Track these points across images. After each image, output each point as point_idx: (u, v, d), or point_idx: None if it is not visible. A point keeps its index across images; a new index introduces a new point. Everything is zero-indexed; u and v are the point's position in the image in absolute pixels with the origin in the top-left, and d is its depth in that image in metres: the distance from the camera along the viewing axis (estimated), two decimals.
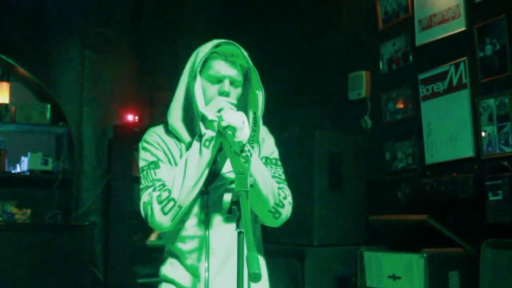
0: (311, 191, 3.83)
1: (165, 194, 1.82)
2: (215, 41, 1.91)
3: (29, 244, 4.55)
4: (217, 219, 1.91)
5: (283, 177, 1.99)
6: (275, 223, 1.93)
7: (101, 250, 5.18)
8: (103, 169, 5.32)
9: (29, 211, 4.88)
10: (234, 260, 1.88)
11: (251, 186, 1.53)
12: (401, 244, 3.48)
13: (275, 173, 1.97)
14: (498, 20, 3.35)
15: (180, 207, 1.82)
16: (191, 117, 1.90)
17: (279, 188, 1.92)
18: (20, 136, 5.24)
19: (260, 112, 1.93)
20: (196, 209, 1.91)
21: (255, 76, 1.91)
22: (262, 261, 2.05)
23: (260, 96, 1.93)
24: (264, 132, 2.03)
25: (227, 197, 1.51)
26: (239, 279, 1.42)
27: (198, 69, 1.88)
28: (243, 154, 1.68)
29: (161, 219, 1.82)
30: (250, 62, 1.91)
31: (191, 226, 1.92)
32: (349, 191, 4.00)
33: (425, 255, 3.11)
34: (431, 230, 3.29)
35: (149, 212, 1.83)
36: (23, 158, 5.00)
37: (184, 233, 1.93)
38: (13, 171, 5.00)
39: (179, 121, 1.93)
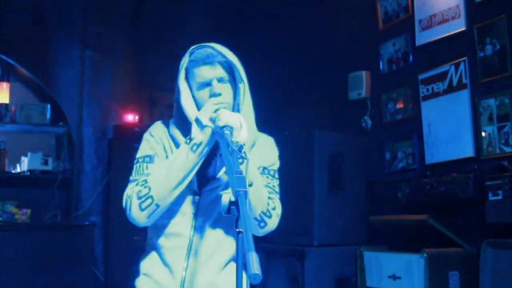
0: (311, 191, 3.84)
1: (145, 191, 1.82)
2: (190, 50, 1.93)
3: (29, 244, 4.55)
4: (204, 222, 1.91)
5: (277, 189, 1.97)
6: (259, 232, 1.91)
7: (101, 250, 5.18)
8: (103, 169, 5.32)
9: (29, 211, 4.88)
10: (214, 264, 1.91)
11: (250, 186, 1.53)
12: (401, 244, 3.48)
13: (269, 183, 1.95)
14: (498, 20, 3.35)
15: (157, 205, 1.82)
16: (186, 129, 1.92)
17: (269, 198, 1.90)
18: (20, 136, 5.23)
19: (242, 103, 1.92)
20: (185, 208, 1.91)
21: (235, 69, 1.92)
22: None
23: (241, 87, 1.92)
24: (267, 142, 2.03)
25: (226, 198, 1.51)
26: (238, 279, 1.42)
27: (180, 81, 1.91)
28: (242, 154, 1.68)
29: (138, 215, 1.84)
30: (228, 57, 1.91)
31: (178, 224, 1.92)
32: (349, 191, 4.00)
33: (425, 255, 3.11)
34: (431, 230, 3.29)
35: (128, 205, 1.85)
36: (23, 158, 5.00)
37: (169, 229, 1.93)
38: (13, 171, 5.00)
39: (179, 133, 1.94)
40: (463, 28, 3.57)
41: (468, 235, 3.30)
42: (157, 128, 1.99)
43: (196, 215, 1.91)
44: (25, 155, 4.98)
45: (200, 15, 5.70)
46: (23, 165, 5.00)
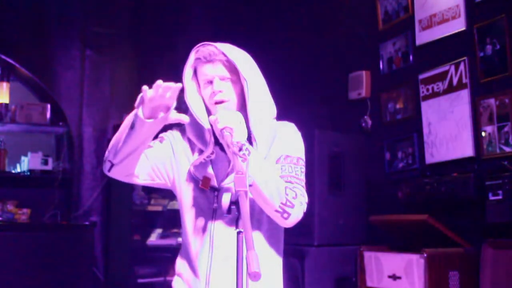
0: (311, 191, 3.82)
1: (108, 146, 1.89)
2: (195, 48, 1.94)
3: (29, 244, 4.55)
4: (224, 218, 1.90)
5: (300, 176, 1.93)
6: (285, 223, 1.88)
7: (101, 250, 5.18)
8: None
9: (29, 211, 4.87)
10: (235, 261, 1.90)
11: (250, 186, 1.53)
12: (401, 244, 3.48)
13: (291, 171, 1.91)
14: (498, 20, 3.35)
15: (110, 162, 1.87)
16: (198, 128, 1.94)
17: (288, 187, 1.86)
18: (20, 136, 5.23)
19: (248, 101, 1.91)
20: (205, 204, 1.92)
21: (239, 67, 1.90)
22: (278, 262, 2.01)
23: (245, 85, 1.91)
24: (288, 129, 2.03)
25: (226, 197, 1.51)
26: (238, 279, 1.42)
27: (185, 80, 1.93)
28: (241, 153, 1.68)
29: (106, 166, 1.91)
30: (229, 56, 1.90)
31: (199, 221, 1.93)
32: (349, 191, 4.00)
33: (425, 255, 3.10)
34: (431, 230, 3.29)
35: None
36: (23, 158, 4.99)
37: (192, 227, 1.94)
38: (13, 171, 5.00)
39: (190, 133, 1.98)
40: (463, 28, 3.57)
41: (468, 235, 3.30)
42: (175, 132, 2.05)
43: (215, 211, 1.90)
44: (25, 155, 4.98)
45: (200, 15, 5.70)
46: (23, 165, 4.99)
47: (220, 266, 1.89)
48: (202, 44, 1.92)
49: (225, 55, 1.89)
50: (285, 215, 1.84)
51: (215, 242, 1.90)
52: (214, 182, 1.91)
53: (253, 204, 1.85)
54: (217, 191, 1.91)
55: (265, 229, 1.94)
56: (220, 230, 1.90)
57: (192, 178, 1.94)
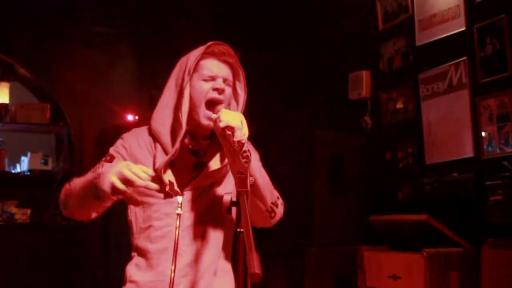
0: (311, 191, 3.84)
1: (65, 193, 1.98)
2: (207, 44, 1.93)
3: (29, 244, 4.55)
4: (189, 221, 1.89)
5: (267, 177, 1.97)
6: (271, 223, 1.92)
7: (101, 250, 5.17)
8: None
9: (29, 211, 4.87)
10: (202, 263, 1.87)
11: (251, 186, 1.53)
12: (401, 244, 3.48)
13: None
14: (498, 20, 3.35)
15: (65, 206, 1.98)
16: (177, 125, 1.90)
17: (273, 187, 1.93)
18: (20, 136, 5.23)
19: (240, 109, 1.96)
20: (168, 208, 1.89)
21: (242, 76, 1.95)
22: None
23: (243, 96, 1.96)
24: None
25: (227, 197, 1.51)
26: (238, 280, 1.42)
27: (190, 73, 1.90)
28: (244, 153, 1.68)
29: (62, 209, 2.00)
30: (239, 62, 1.94)
31: (162, 226, 1.90)
32: (349, 191, 4.00)
33: (425, 255, 3.11)
34: (431, 230, 3.29)
35: None
36: (23, 158, 5.00)
37: (153, 232, 1.90)
38: (13, 171, 5.00)
39: (164, 127, 1.94)
40: (463, 28, 3.57)
41: (468, 235, 3.30)
42: (131, 134, 2.07)
43: (180, 215, 1.88)
44: (25, 155, 4.98)
45: (200, 16, 5.70)
46: (23, 165, 5.00)
47: (186, 270, 1.87)
48: (216, 43, 1.92)
49: (236, 60, 1.93)
50: (273, 214, 1.90)
51: (181, 246, 1.87)
52: (176, 187, 1.90)
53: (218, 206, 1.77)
54: (182, 195, 1.89)
55: (224, 233, 1.94)
56: (185, 234, 1.88)
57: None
